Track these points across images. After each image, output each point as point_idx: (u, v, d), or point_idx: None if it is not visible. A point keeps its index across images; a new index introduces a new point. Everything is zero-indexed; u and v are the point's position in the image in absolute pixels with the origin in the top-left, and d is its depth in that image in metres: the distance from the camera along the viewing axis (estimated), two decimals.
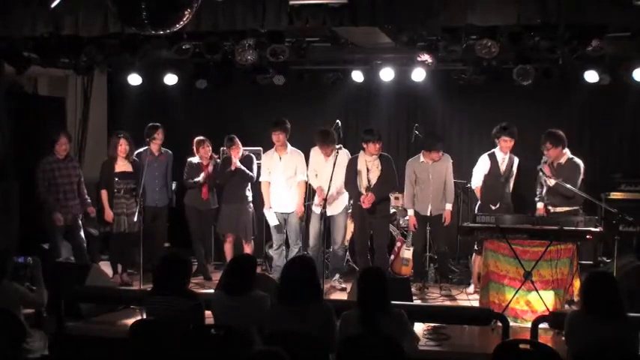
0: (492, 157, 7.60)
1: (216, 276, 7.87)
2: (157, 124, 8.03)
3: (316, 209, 7.79)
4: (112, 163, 7.82)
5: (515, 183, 7.64)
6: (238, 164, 7.88)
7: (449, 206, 7.61)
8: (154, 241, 8.03)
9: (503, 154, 7.55)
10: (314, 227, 7.86)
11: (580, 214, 6.86)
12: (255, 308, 4.60)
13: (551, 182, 7.01)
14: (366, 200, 7.38)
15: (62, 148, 7.56)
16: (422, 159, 7.64)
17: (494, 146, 7.58)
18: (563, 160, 7.11)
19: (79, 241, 7.69)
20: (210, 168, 8.05)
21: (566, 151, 7.13)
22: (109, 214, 7.76)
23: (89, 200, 7.81)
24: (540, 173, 7.06)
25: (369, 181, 7.52)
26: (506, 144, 7.44)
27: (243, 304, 4.61)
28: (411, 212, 7.70)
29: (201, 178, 8.00)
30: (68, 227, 7.62)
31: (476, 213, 7.14)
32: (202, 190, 8.11)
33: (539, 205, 7.26)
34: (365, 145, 7.49)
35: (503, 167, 7.54)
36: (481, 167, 7.64)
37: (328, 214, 7.48)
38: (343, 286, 7.77)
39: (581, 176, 7.07)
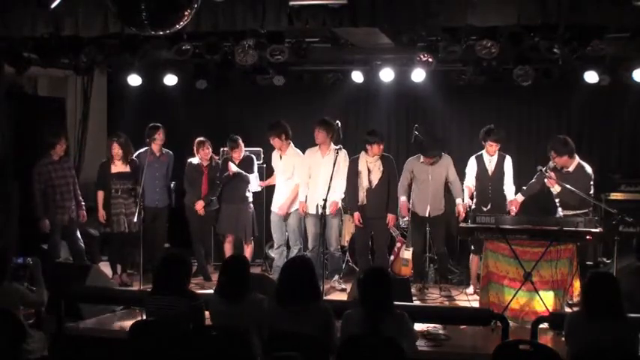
0: (479, 158, 7.58)
1: (216, 276, 7.81)
2: (158, 124, 8.04)
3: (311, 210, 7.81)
4: (109, 164, 7.84)
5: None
6: (235, 169, 7.88)
7: (459, 200, 7.53)
8: (154, 241, 8.03)
9: (489, 156, 7.53)
10: (311, 228, 7.87)
11: (590, 215, 6.85)
12: (254, 310, 4.56)
13: (556, 189, 6.99)
14: (391, 222, 7.62)
15: (62, 149, 7.59)
16: (422, 159, 7.64)
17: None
18: (571, 168, 7.05)
19: (76, 241, 7.69)
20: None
21: (575, 157, 7.07)
22: (101, 215, 7.79)
23: (83, 203, 7.82)
24: (545, 180, 7.05)
25: (369, 182, 7.52)
26: (492, 148, 7.43)
27: (241, 308, 4.56)
28: (403, 198, 7.59)
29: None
30: (65, 227, 7.63)
31: (474, 214, 7.12)
32: (202, 190, 8.12)
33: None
34: (368, 147, 7.50)
35: (491, 168, 7.51)
36: (470, 168, 7.64)
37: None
38: (343, 286, 7.77)
39: (592, 182, 7.04)
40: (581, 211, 6.99)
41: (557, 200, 7.22)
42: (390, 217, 7.63)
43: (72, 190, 7.67)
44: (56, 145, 7.53)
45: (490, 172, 7.52)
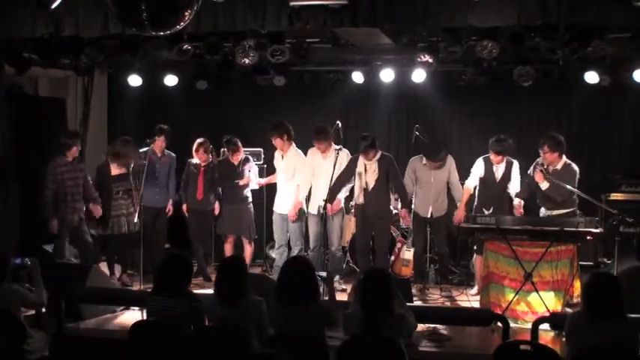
0: (487, 161, 7.48)
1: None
2: (165, 127, 8.02)
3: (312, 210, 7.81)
4: (107, 166, 7.84)
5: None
6: (250, 179, 7.98)
7: (460, 205, 7.55)
8: (154, 241, 8.04)
9: (496, 164, 7.43)
10: (313, 228, 7.86)
11: (578, 215, 6.85)
12: (253, 312, 4.54)
13: (545, 185, 6.98)
14: (405, 218, 7.67)
15: (77, 150, 7.60)
16: (424, 161, 7.62)
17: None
18: (559, 166, 7.04)
19: (86, 240, 7.67)
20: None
21: (563, 156, 7.06)
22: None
23: (96, 194, 7.76)
24: (534, 175, 7.03)
25: (366, 184, 7.51)
26: (495, 158, 7.34)
27: (239, 311, 4.53)
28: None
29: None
30: (74, 228, 7.61)
31: (474, 214, 7.12)
32: (196, 188, 8.12)
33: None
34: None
35: (498, 174, 7.42)
36: (476, 170, 7.57)
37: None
38: (343, 287, 7.77)
39: (577, 179, 7.03)
40: (567, 210, 7.00)
41: (539, 200, 7.22)
42: (403, 212, 7.60)
43: (82, 192, 7.63)
44: (72, 146, 7.52)
45: (497, 180, 7.42)
